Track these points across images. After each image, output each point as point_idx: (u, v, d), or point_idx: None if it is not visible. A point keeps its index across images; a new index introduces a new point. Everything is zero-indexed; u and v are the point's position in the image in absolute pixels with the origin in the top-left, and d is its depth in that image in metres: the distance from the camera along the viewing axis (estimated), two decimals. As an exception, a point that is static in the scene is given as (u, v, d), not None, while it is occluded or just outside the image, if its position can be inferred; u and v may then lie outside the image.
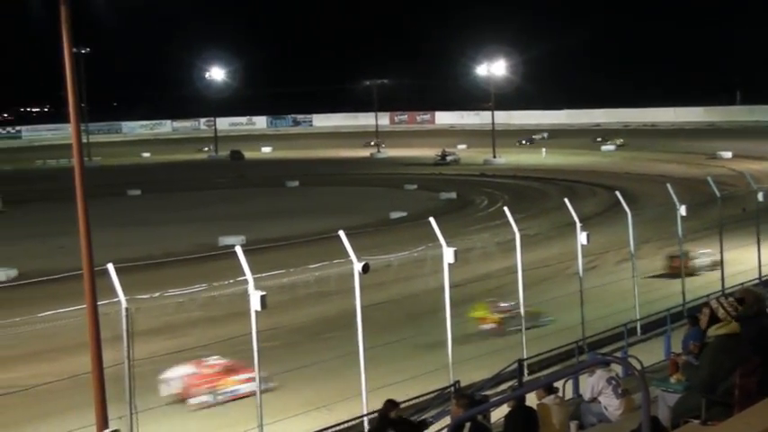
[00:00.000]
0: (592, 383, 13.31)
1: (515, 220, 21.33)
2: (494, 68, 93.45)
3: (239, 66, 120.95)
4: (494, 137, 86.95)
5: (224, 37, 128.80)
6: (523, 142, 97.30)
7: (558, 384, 13.74)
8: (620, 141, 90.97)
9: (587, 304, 22.44)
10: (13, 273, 35.81)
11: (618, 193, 26.07)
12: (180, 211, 56.21)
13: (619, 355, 18.69)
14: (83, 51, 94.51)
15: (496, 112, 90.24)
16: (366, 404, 16.78)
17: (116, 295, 14.70)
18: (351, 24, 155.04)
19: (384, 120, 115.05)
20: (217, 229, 44.24)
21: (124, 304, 14.72)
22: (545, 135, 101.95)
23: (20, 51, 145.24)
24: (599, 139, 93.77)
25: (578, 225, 22.55)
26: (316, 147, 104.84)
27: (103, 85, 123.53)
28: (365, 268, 16.66)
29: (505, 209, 22.51)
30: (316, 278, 26.58)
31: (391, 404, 13.14)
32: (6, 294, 27.62)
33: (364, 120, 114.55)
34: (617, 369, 14.10)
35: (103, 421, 14.67)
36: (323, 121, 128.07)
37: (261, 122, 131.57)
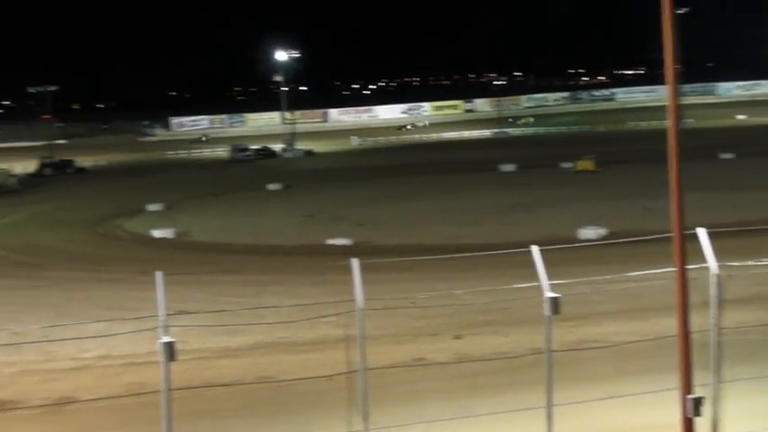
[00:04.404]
0: None
1: None
2: None
3: None
4: None
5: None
6: None
7: None
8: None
9: None
10: (603, 231, 37.21)
11: None
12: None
13: None
14: (681, 12, 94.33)
15: None
16: None
17: (705, 260, 14.33)
18: None
19: None
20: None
21: (714, 270, 14.30)
22: None
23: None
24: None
25: None
26: None
27: (699, 45, 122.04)
28: None
29: None
30: None
31: None
32: (597, 251, 28.62)
33: None
34: None
35: (687, 386, 14.46)
36: None
37: None
